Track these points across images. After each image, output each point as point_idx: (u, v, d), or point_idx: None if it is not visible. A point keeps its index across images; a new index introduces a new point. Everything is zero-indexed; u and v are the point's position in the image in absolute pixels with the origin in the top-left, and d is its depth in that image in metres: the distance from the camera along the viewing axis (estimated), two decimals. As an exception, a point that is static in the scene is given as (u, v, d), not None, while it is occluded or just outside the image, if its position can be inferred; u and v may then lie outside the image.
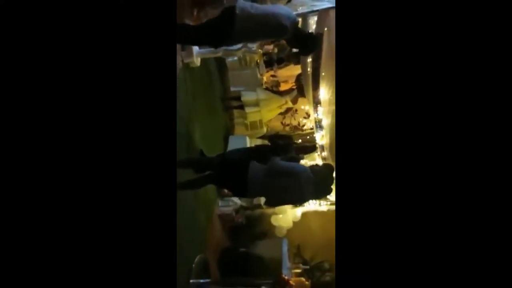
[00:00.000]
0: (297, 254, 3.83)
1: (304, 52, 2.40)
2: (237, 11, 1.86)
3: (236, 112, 4.46)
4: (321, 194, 2.17)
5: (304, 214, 3.88)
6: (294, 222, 3.81)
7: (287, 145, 2.34)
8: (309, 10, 2.78)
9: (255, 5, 2.00)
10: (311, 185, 1.96)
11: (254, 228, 3.88)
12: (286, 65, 4.42)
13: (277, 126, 4.80)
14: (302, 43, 2.12)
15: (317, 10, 2.75)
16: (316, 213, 3.90)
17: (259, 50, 4.10)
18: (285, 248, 3.60)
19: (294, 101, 4.34)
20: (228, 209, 3.63)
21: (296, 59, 4.26)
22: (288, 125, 4.75)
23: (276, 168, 1.98)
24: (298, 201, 2.24)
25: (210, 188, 3.39)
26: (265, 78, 4.46)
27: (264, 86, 4.40)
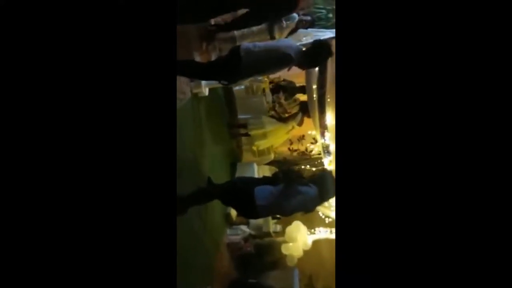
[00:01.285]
0: (309, 284, 3.68)
1: (319, 62, 2.42)
2: (241, 52, 2.02)
3: (244, 139, 4.51)
4: (325, 198, 2.26)
5: (315, 242, 3.77)
6: (304, 251, 3.69)
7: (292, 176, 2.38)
8: (313, 39, 2.90)
9: (257, 43, 2.14)
10: (317, 194, 2.09)
11: (264, 257, 3.76)
12: (290, 97, 4.53)
13: (284, 151, 4.81)
14: (313, 57, 2.17)
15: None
16: (327, 241, 3.78)
17: (265, 78, 4.23)
18: (296, 279, 3.47)
19: (300, 123, 4.38)
20: (236, 238, 3.55)
21: (302, 88, 4.36)
22: (295, 150, 4.75)
23: (283, 187, 2.06)
24: (308, 211, 2.32)
25: (218, 216, 3.36)
26: (271, 105, 4.55)
27: (270, 113, 4.47)
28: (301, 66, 2.26)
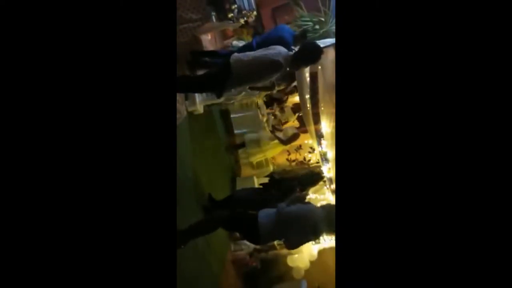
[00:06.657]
0: (318, 296, 3.60)
1: (311, 62, 2.35)
2: (232, 62, 2.05)
3: (241, 153, 4.51)
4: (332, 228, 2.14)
5: (321, 252, 3.72)
6: (311, 262, 3.64)
7: (288, 182, 2.33)
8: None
9: (247, 53, 2.18)
10: (322, 221, 1.99)
11: (270, 271, 3.70)
12: (284, 106, 4.58)
13: (283, 163, 4.81)
14: (304, 58, 2.17)
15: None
16: (333, 249, 3.74)
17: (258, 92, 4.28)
18: (305, 291, 3.40)
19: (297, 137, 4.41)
20: (241, 253, 3.50)
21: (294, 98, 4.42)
22: (294, 161, 4.76)
23: (284, 214, 2.01)
24: (314, 238, 2.20)
25: (221, 232, 3.31)
26: (266, 118, 4.59)
27: (265, 124, 4.51)
28: (291, 69, 2.27)
